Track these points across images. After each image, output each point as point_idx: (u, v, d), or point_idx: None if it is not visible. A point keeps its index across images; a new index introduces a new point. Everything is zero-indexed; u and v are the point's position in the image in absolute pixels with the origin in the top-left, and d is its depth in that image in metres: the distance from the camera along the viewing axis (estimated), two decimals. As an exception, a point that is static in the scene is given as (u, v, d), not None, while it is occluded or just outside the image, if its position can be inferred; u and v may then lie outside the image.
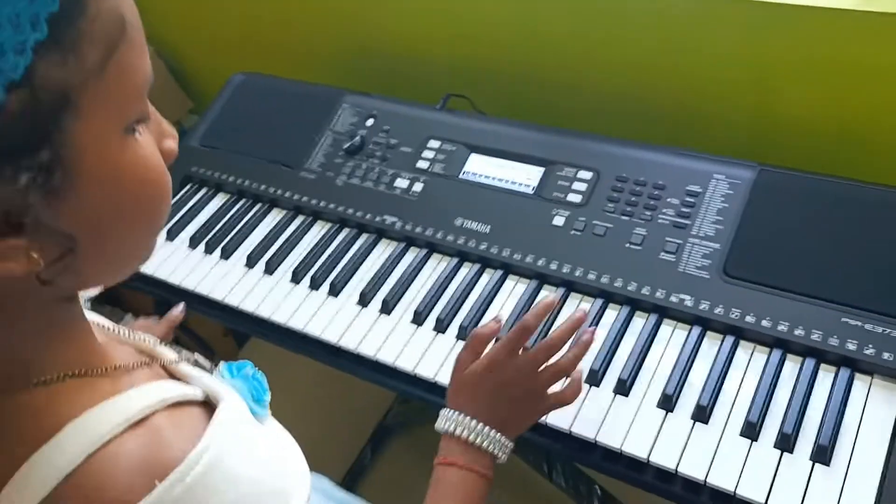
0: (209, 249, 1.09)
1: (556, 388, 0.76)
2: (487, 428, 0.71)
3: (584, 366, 0.83)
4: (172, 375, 0.53)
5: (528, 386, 0.74)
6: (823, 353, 0.78)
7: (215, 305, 1.03)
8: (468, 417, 0.72)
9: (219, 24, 1.56)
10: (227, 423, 0.47)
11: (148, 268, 1.09)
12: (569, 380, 0.78)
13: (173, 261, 1.09)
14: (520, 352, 0.75)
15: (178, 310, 0.97)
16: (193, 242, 1.11)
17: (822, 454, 0.72)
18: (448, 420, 0.72)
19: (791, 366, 0.79)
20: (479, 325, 0.85)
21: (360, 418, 1.66)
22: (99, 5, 0.37)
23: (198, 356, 0.60)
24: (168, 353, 0.55)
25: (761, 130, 1.06)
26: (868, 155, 1.01)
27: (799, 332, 0.79)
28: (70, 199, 0.38)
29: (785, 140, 1.05)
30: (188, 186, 1.21)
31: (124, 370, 0.48)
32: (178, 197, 1.19)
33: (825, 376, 0.78)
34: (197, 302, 1.04)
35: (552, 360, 0.76)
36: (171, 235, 1.13)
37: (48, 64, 0.35)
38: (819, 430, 0.73)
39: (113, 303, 1.62)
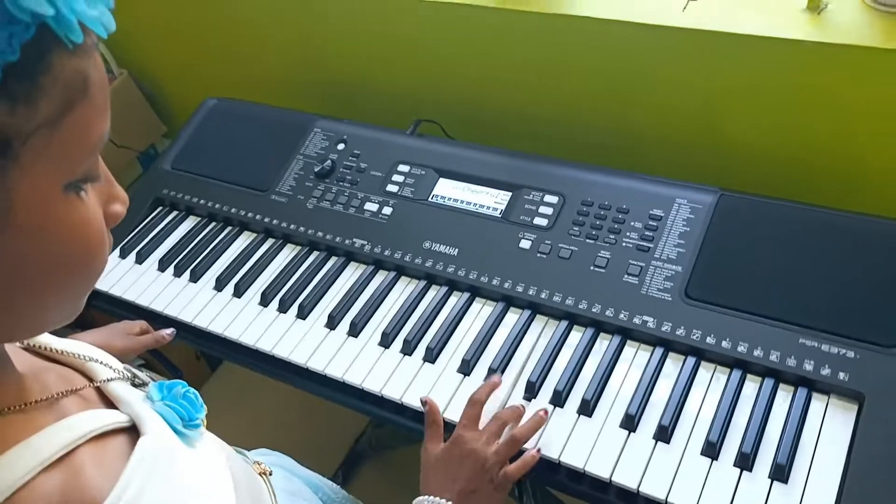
0: (178, 272, 1.09)
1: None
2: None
3: (549, 386, 0.84)
4: (104, 397, 0.52)
5: (482, 458, 0.77)
6: (781, 373, 0.80)
7: (184, 328, 1.03)
8: (436, 498, 0.74)
9: (193, 51, 1.57)
10: (146, 461, 0.46)
11: (117, 290, 1.09)
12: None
13: (142, 283, 1.09)
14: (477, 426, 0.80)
15: (168, 332, 0.97)
16: (163, 265, 1.11)
17: (781, 472, 0.73)
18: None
19: (751, 386, 0.81)
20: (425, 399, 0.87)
21: (332, 443, 1.65)
22: (64, 65, 0.37)
23: (136, 371, 0.58)
24: (101, 372, 0.53)
25: (716, 155, 1.09)
26: (817, 179, 1.04)
27: (758, 352, 0.81)
28: None
29: (739, 165, 1.08)
30: (158, 209, 1.21)
31: (45, 403, 0.46)
32: (148, 219, 1.19)
33: (784, 396, 0.79)
34: (166, 324, 1.04)
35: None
36: (141, 258, 1.13)
37: None
38: (777, 449, 0.75)
39: (82, 326, 1.60)
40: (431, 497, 0.75)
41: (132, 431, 0.48)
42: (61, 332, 0.61)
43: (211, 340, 1.01)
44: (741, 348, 0.82)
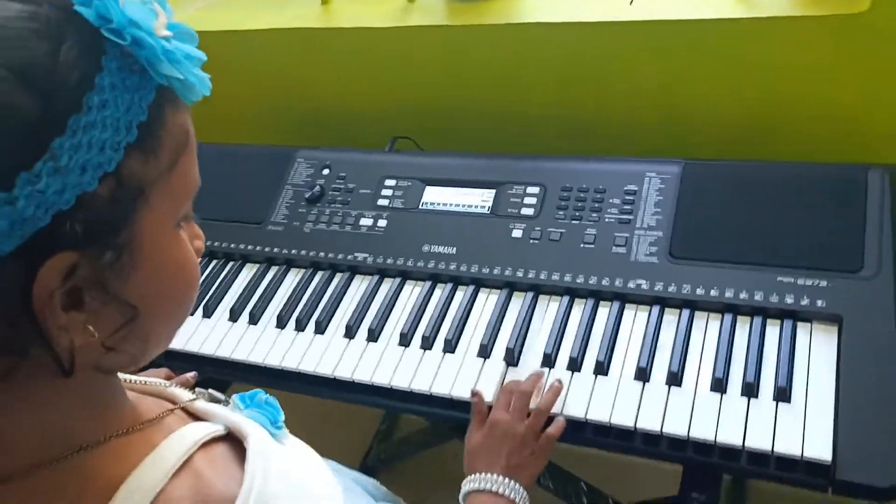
0: (191, 312, 1.13)
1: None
2: (503, 477, 0.82)
3: (564, 355, 0.92)
4: (192, 415, 0.57)
5: (518, 434, 0.84)
6: (767, 309, 0.90)
7: (206, 361, 1.07)
8: (485, 473, 0.82)
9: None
10: (261, 454, 0.51)
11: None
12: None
13: (156, 326, 1.13)
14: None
15: (191, 375, 1.01)
16: (173, 306, 1.15)
17: (783, 394, 0.82)
18: (471, 481, 0.82)
19: (742, 325, 0.90)
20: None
21: (344, 458, 1.68)
22: (175, 120, 0.45)
23: (211, 391, 0.64)
24: (184, 394, 0.59)
25: (678, 131, 1.20)
26: (771, 137, 1.16)
27: (743, 295, 0.90)
28: (131, 277, 0.44)
29: (700, 136, 1.19)
30: (157, 256, 1.25)
31: (156, 421, 0.52)
32: (148, 267, 1.22)
33: (772, 330, 0.89)
34: (186, 361, 1.08)
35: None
36: (149, 303, 1.16)
37: (133, 161, 0.42)
38: (776, 375, 0.84)
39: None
40: (481, 473, 0.82)
41: (229, 439, 0.53)
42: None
43: (235, 369, 1.06)
44: (728, 294, 0.91)
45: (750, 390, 0.83)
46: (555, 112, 1.27)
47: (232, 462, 0.51)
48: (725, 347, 0.88)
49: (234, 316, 1.10)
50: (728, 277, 0.92)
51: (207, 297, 1.14)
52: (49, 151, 0.38)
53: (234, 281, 1.16)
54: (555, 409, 0.87)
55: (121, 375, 0.59)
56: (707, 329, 0.91)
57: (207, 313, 1.12)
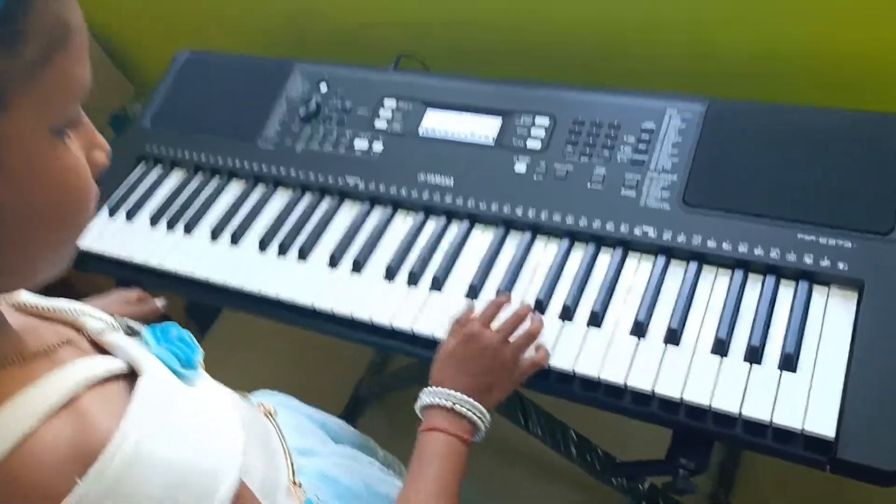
0: (171, 225, 1.08)
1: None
2: (465, 396, 0.73)
3: (557, 302, 0.86)
4: (99, 347, 0.52)
5: (500, 353, 0.77)
6: (782, 269, 0.82)
7: (182, 281, 1.02)
8: (448, 389, 0.74)
9: (156, 4, 1.53)
10: (148, 401, 0.46)
11: (110, 249, 1.07)
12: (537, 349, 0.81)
13: (135, 240, 1.08)
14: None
15: (162, 303, 0.96)
16: (154, 220, 1.09)
17: (789, 362, 0.75)
18: (430, 394, 0.75)
19: (753, 284, 0.83)
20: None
21: (332, 389, 1.66)
22: (46, 9, 0.38)
23: (129, 321, 0.58)
24: (94, 323, 0.54)
25: (703, 65, 1.10)
26: (802, 80, 1.05)
27: (758, 251, 0.83)
28: None
29: (725, 72, 1.09)
30: (141, 165, 1.19)
31: (43, 355, 0.47)
32: (133, 177, 1.17)
33: (786, 291, 0.81)
34: (162, 279, 1.04)
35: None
36: (130, 215, 1.11)
37: None
38: (784, 341, 0.77)
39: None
40: (440, 388, 0.74)
41: (132, 377, 0.49)
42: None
43: (211, 291, 1.01)
44: (741, 248, 0.83)
45: (754, 355, 0.77)
46: (574, 38, 1.17)
47: (127, 404, 0.45)
48: (732, 307, 0.81)
49: (214, 235, 1.05)
50: (743, 230, 0.84)
51: (190, 214, 1.08)
52: None
53: (218, 198, 1.10)
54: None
55: (28, 299, 0.54)
56: (714, 285, 0.84)
57: (188, 230, 1.06)
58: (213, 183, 1.12)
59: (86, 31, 0.42)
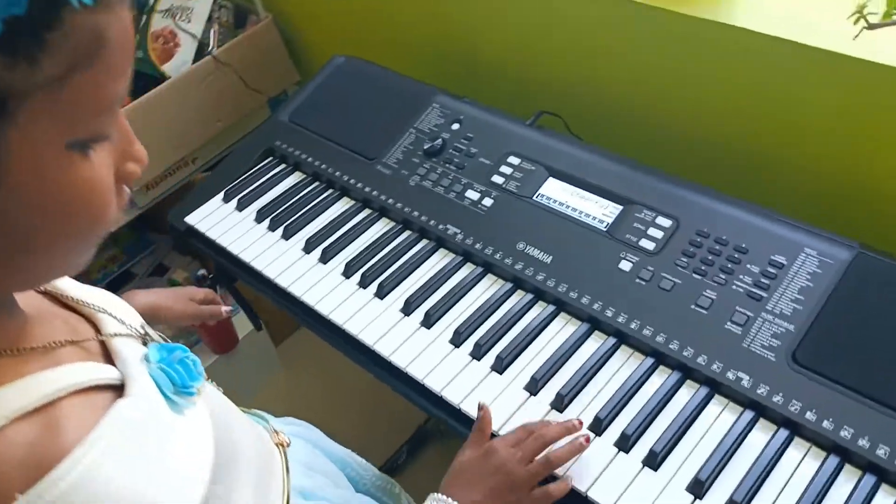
0: (273, 226, 1.09)
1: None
2: None
3: (618, 426, 0.77)
4: (106, 350, 0.51)
5: (515, 476, 0.72)
6: (887, 472, 0.69)
7: (266, 283, 1.02)
8: (450, 499, 0.70)
9: (336, 5, 1.56)
10: (119, 424, 0.44)
11: (213, 232, 1.10)
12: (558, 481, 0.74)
13: (237, 230, 1.10)
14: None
15: (226, 309, 0.98)
16: (259, 217, 1.11)
17: (861, 587, 0.63)
18: (436, 500, 0.71)
19: (847, 477, 0.71)
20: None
21: (403, 417, 1.63)
22: (76, 22, 0.36)
23: (149, 329, 0.57)
24: (110, 325, 0.52)
25: (859, 207, 0.96)
26: None
27: (863, 442, 0.70)
28: None
29: (883, 217, 0.94)
30: (269, 159, 1.21)
31: (41, 351, 0.46)
32: (256, 168, 1.19)
33: (884, 497, 0.69)
34: (250, 275, 1.05)
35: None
36: (242, 205, 1.13)
37: None
38: (862, 559, 0.65)
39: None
40: (448, 500, 0.70)
41: (121, 391, 0.47)
42: (124, 287, 0.60)
43: (288, 300, 1.00)
44: (844, 433, 0.71)
45: (821, 563, 0.65)
46: (720, 135, 1.06)
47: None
48: (815, 496, 0.69)
49: (308, 248, 1.04)
50: (853, 411, 0.72)
51: (293, 220, 1.08)
52: None
53: (324, 211, 1.10)
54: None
55: (55, 286, 0.53)
56: (801, 464, 0.72)
57: (287, 235, 1.07)
58: (324, 195, 1.12)
59: (130, 45, 0.40)
